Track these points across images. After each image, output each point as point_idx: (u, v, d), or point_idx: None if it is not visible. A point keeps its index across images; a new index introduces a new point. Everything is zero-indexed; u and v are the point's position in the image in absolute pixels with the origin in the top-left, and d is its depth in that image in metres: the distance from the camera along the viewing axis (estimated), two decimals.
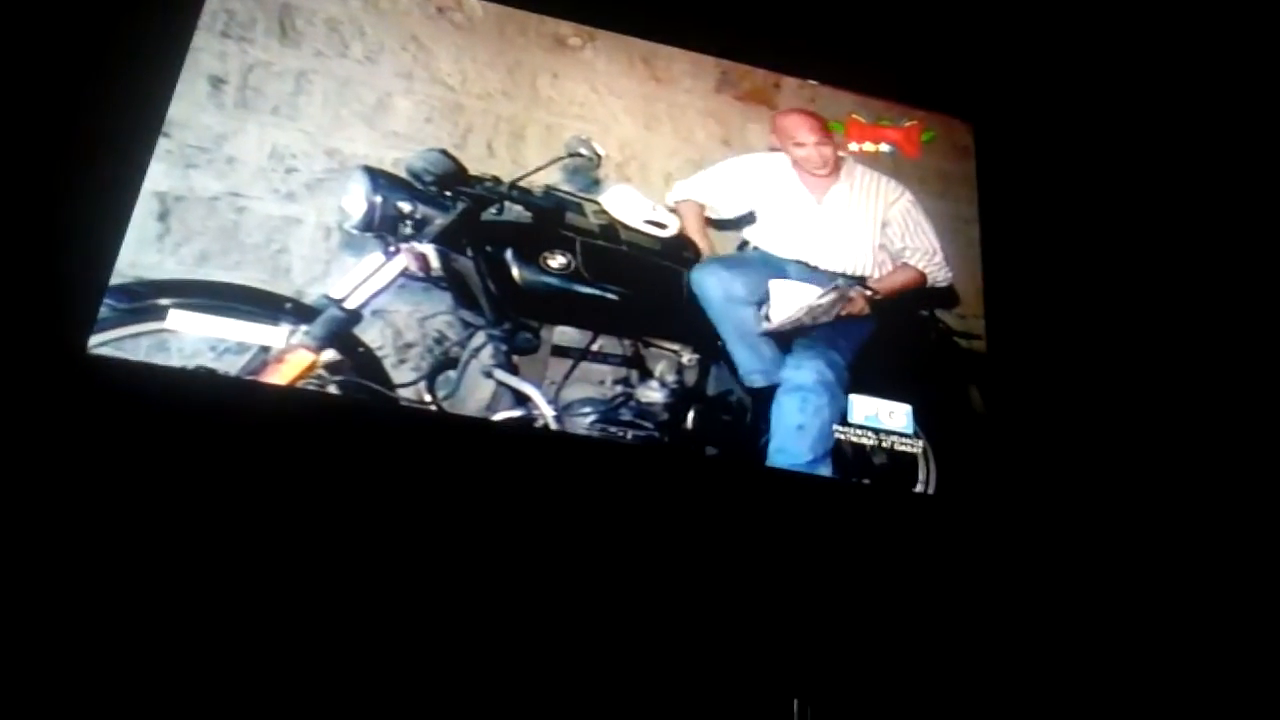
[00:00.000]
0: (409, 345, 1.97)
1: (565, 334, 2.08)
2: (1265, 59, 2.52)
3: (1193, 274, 2.43)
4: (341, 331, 1.94)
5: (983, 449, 2.18)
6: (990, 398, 2.25)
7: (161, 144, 1.98)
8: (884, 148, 2.45)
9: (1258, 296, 2.39)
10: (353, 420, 1.92)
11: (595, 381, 2.07)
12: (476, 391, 1.99)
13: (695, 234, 2.22)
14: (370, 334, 1.96)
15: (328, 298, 1.95)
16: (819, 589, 1.99)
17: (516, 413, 1.98)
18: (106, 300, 1.84)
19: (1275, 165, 2.49)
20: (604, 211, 2.16)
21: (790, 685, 1.89)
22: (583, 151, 2.16)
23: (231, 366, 1.86)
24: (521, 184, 2.12)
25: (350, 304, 1.95)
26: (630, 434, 2.03)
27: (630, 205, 2.18)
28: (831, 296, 2.17)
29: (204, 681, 1.69)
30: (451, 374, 1.98)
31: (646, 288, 2.15)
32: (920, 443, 2.16)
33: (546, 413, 1.98)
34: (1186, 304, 2.40)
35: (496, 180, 2.11)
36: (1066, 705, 1.98)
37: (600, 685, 1.83)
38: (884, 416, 2.15)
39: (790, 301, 2.17)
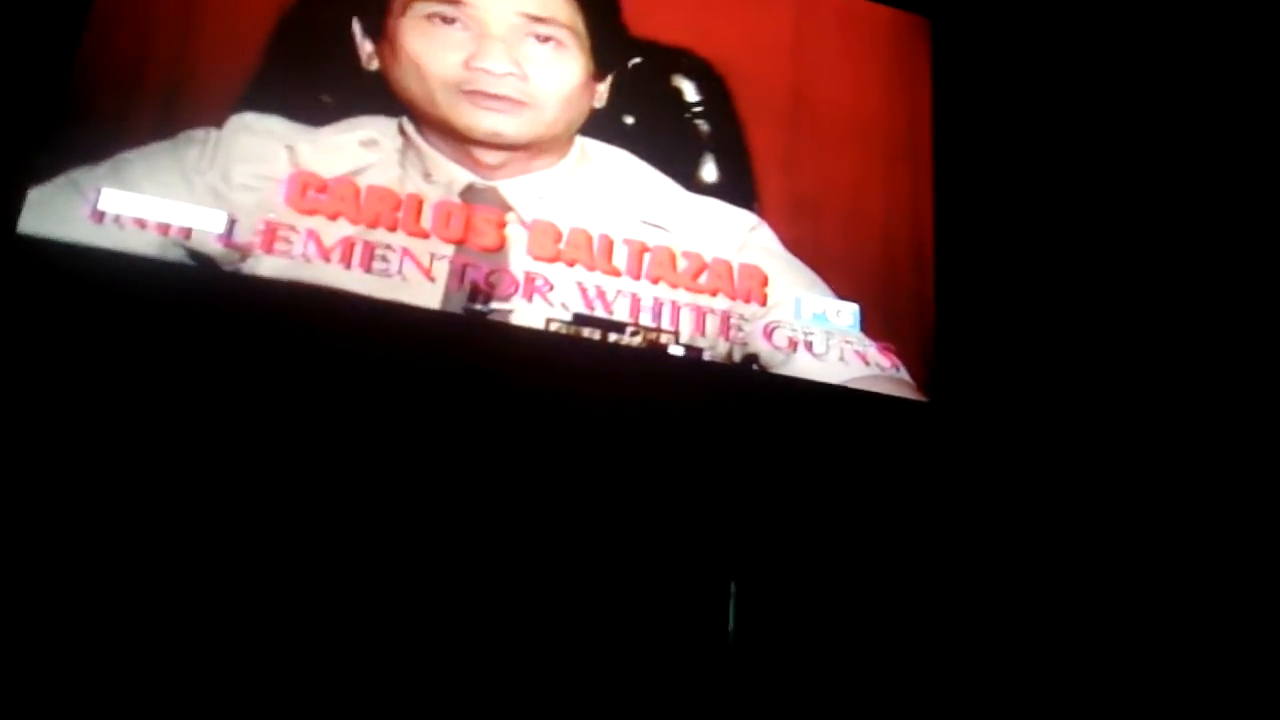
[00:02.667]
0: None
1: None
2: None
3: (1151, 176, 2.43)
4: None
5: (927, 350, 2.21)
6: (938, 297, 2.27)
7: None
8: None
9: (1206, 192, 2.42)
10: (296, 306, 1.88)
11: None
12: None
13: None
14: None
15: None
16: (754, 479, 2.04)
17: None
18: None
19: (1225, 80, 2.49)
20: None
21: (727, 570, 1.95)
22: None
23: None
24: None
25: None
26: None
27: None
28: None
29: (146, 589, 1.69)
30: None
31: None
32: (865, 341, 2.18)
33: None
34: (1144, 206, 2.41)
35: None
36: (978, 594, 2.07)
37: (546, 571, 1.87)
38: (831, 315, 2.17)
39: None
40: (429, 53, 2.01)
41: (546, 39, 2.07)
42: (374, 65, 2.03)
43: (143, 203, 1.82)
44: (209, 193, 1.86)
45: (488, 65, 2.01)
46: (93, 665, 1.62)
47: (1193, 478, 2.16)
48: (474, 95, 2.01)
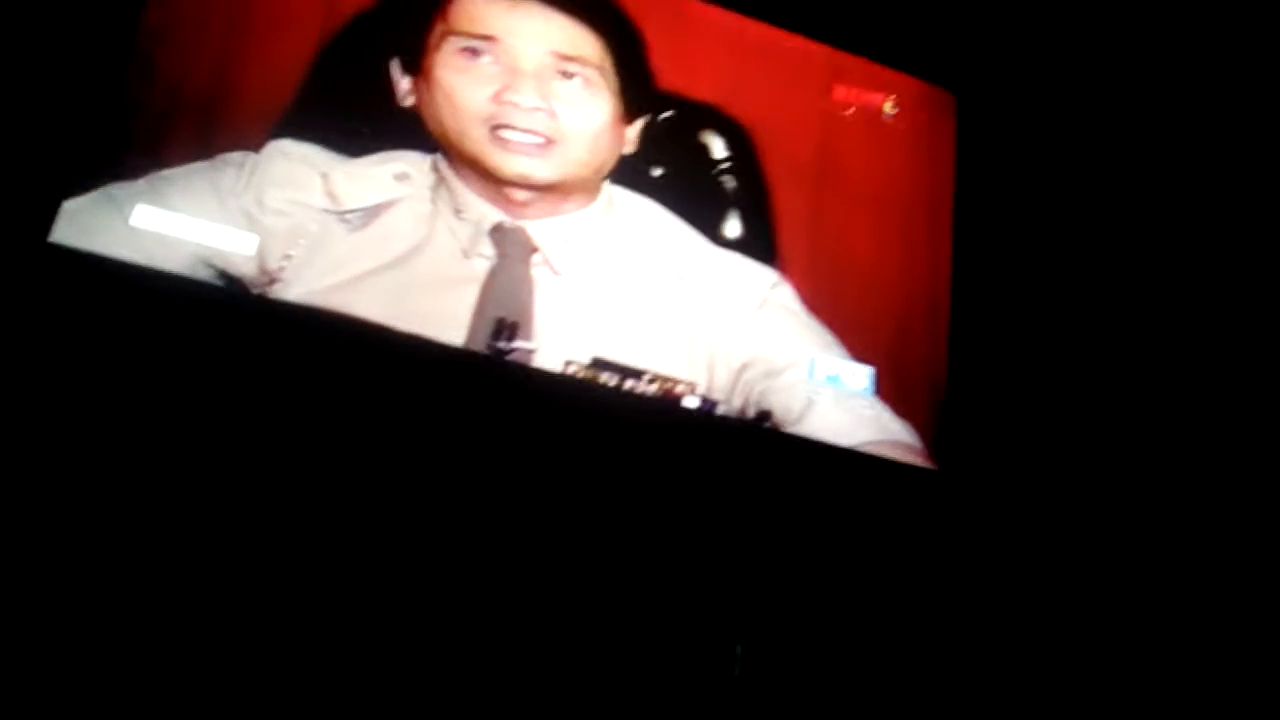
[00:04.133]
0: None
1: None
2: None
3: (1172, 256, 2.46)
4: None
5: (939, 418, 2.23)
6: (951, 367, 2.29)
7: None
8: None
9: (1234, 273, 2.43)
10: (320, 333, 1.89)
11: None
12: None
13: None
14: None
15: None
16: (762, 540, 2.04)
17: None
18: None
19: (1255, 161, 2.52)
20: None
21: (734, 631, 1.95)
22: None
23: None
24: None
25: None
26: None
27: None
28: None
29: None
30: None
31: None
32: (877, 405, 2.20)
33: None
34: (1175, 300, 2.43)
35: None
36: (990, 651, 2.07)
37: (548, 625, 1.86)
38: (846, 377, 2.18)
39: None
40: (461, 85, 2.04)
41: (573, 76, 2.10)
42: (409, 101, 2.06)
43: (176, 221, 1.83)
44: (242, 215, 1.88)
45: (517, 99, 2.04)
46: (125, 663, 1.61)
47: (1211, 558, 2.16)
48: (502, 130, 2.03)
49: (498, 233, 2.04)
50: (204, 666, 1.64)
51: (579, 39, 2.12)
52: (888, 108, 2.44)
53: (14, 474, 1.66)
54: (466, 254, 2.00)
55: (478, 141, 2.03)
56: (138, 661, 1.62)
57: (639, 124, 2.20)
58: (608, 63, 2.14)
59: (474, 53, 2.06)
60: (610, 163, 2.16)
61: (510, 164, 2.04)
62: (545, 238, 2.07)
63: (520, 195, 2.06)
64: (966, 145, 2.51)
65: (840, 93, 2.43)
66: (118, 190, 1.82)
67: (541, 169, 2.06)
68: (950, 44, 2.57)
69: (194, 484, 1.75)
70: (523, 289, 2.03)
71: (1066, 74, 2.62)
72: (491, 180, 2.04)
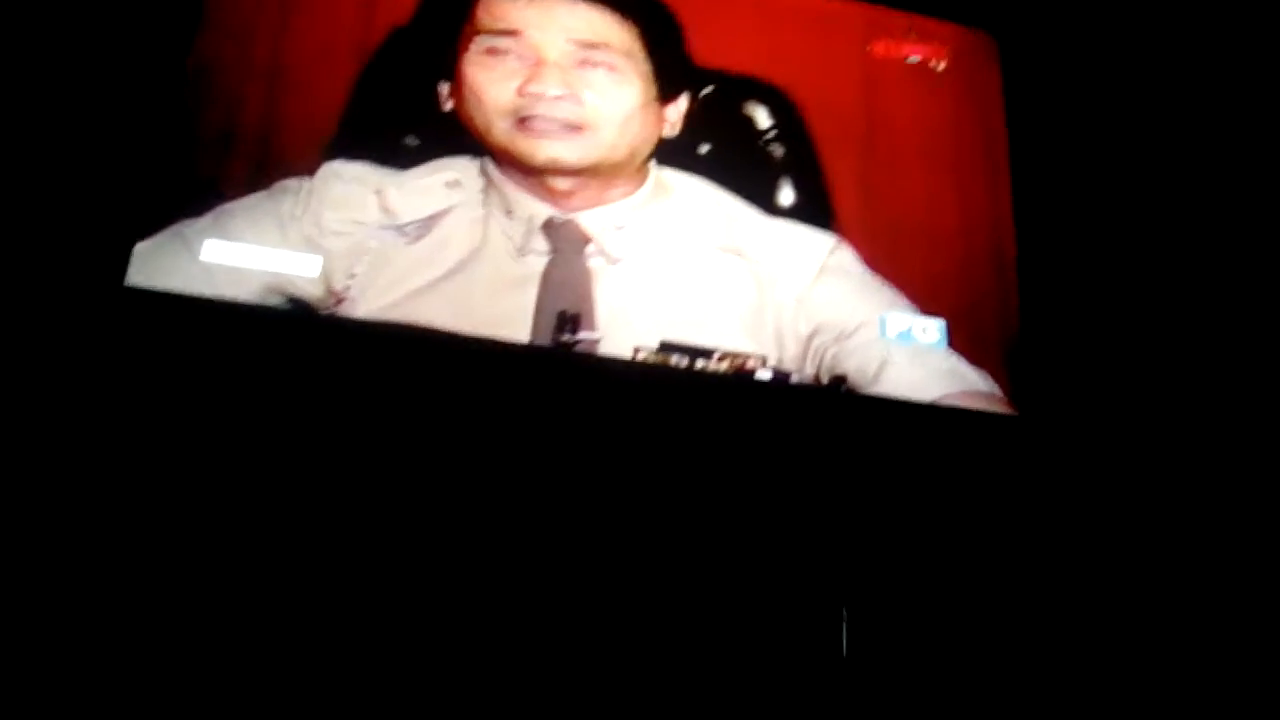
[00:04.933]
0: None
1: None
2: None
3: (1236, 176, 2.38)
4: None
5: (1014, 362, 2.19)
6: (1022, 308, 2.25)
7: None
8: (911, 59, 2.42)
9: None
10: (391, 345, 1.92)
11: None
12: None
13: None
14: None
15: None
16: (853, 503, 2.02)
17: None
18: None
19: None
20: None
21: (840, 596, 1.93)
22: None
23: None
24: None
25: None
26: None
27: None
28: None
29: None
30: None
31: None
32: (952, 356, 2.16)
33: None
34: (1248, 224, 2.36)
35: None
36: (1097, 618, 2.02)
37: (655, 596, 1.87)
38: (917, 331, 2.15)
39: None
40: (487, 82, 2.06)
41: (599, 64, 2.09)
42: (449, 106, 2.08)
43: (243, 251, 1.88)
44: (303, 240, 1.92)
45: (541, 90, 2.05)
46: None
47: None
48: (529, 121, 2.04)
49: (549, 228, 2.05)
50: (292, 670, 1.69)
51: (602, 25, 2.12)
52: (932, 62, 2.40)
53: (113, 509, 1.72)
54: (521, 252, 2.02)
55: (505, 134, 2.04)
56: (210, 667, 1.68)
57: (678, 105, 2.19)
58: (636, 47, 2.14)
59: (499, 50, 2.08)
60: (646, 146, 2.15)
61: (539, 150, 2.05)
62: (597, 227, 2.07)
63: (561, 184, 2.07)
64: (1013, 86, 2.45)
65: (879, 47, 2.40)
66: (185, 228, 1.88)
67: (570, 151, 2.06)
68: None
69: (283, 503, 1.79)
70: (581, 280, 2.04)
71: (1106, 5, 2.54)
72: (528, 172, 2.06)
